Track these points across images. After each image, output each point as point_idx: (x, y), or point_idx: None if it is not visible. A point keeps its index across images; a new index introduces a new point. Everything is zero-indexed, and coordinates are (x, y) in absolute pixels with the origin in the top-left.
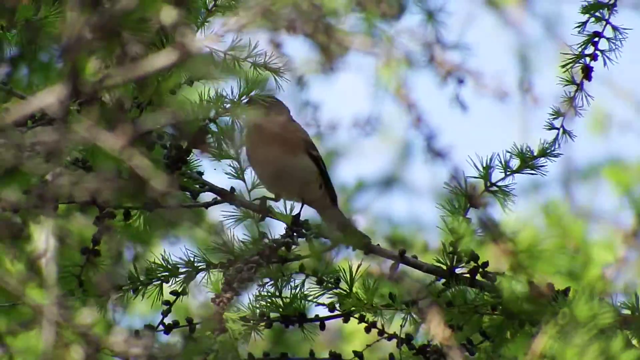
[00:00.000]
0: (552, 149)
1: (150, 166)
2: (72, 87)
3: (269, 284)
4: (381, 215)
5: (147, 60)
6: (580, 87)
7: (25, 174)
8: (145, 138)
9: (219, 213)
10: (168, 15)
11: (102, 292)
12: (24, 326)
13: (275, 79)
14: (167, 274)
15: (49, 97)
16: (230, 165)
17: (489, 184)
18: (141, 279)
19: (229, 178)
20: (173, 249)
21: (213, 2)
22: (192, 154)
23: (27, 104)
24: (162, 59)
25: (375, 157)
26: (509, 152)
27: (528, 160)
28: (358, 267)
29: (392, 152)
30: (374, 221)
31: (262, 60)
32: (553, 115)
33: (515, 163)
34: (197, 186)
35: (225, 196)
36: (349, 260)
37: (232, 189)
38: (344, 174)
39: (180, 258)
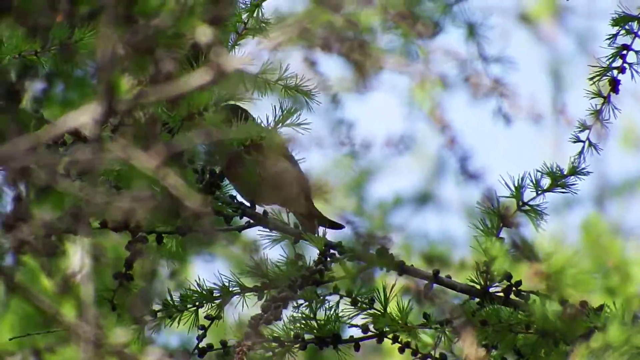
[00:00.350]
0: (581, 164)
1: (184, 186)
2: (107, 106)
3: (303, 305)
4: (416, 232)
5: (181, 79)
6: (607, 100)
7: (60, 193)
8: (178, 159)
9: (254, 234)
10: (203, 33)
11: (136, 319)
12: (61, 344)
13: (306, 101)
14: (202, 299)
15: (84, 116)
16: None
17: (521, 204)
18: (176, 304)
19: None
20: (207, 272)
21: (246, 23)
22: (225, 179)
23: (62, 122)
24: (197, 78)
25: (408, 175)
26: (539, 171)
27: (558, 179)
28: (392, 287)
29: (425, 170)
30: (409, 238)
31: (294, 83)
32: (579, 128)
33: (546, 182)
34: (231, 210)
35: (259, 219)
36: (383, 280)
37: (265, 212)
38: (378, 191)
39: (215, 283)
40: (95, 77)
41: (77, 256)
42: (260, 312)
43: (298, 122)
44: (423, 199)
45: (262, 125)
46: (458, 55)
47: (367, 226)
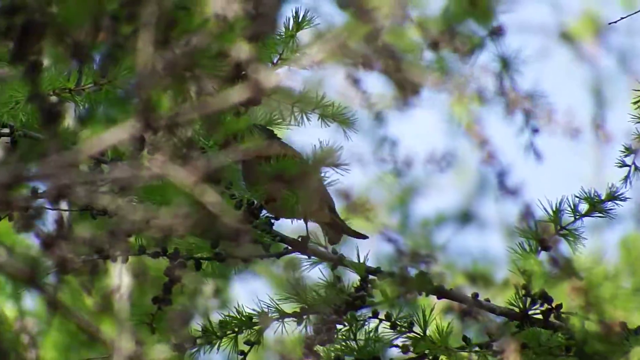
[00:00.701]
0: (621, 191)
1: (221, 203)
2: (145, 123)
3: (343, 329)
4: (458, 250)
5: (219, 96)
6: None
7: (100, 211)
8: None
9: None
10: (242, 51)
11: (175, 346)
12: None
13: (344, 130)
14: (241, 325)
15: (122, 133)
16: None
17: (559, 228)
18: (215, 331)
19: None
20: (248, 291)
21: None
22: (263, 208)
23: (101, 139)
24: (235, 96)
25: (450, 193)
26: (577, 196)
27: (596, 204)
28: (431, 310)
29: (466, 187)
30: (451, 256)
31: (330, 111)
32: (624, 152)
33: (584, 207)
34: (269, 237)
35: (297, 246)
36: (422, 303)
37: (304, 238)
38: (420, 209)
39: (254, 309)
40: (133, 96)
41: (117, 274)
42: (312, 333)
43: (338, 162)
44: (465, 217)
45: (302, 161)
46: (495, 71)
47: (409, 245)
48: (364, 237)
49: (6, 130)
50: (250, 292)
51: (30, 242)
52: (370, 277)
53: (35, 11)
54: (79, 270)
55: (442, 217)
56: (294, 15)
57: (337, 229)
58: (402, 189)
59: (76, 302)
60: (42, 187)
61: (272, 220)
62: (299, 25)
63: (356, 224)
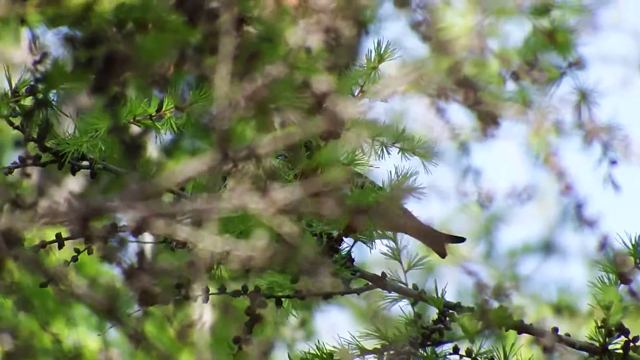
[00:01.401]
0: None
1: (300, 235)
2: (224, 155)
3: None
4: (542, 281)
5: (300, 128)
6: None
7: (179, 242)
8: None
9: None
10: (321, 83)
11: None
12: None
13: (423, 164)
14: None
15: (201, 165)
16: (386, 245)
17: (638, 260)
18: None
19: (385, 258)
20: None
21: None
22: (343, 242)
23: (181, 171)
24: (315, 127)
25: (532, 223)
26: None
27: None
28: (512, 345)
29: (548, 218)
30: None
31: (411, 145)
32: None
33: None
34: (350, 273)
35: (377, 282)
36: (502, 339)
37: (384, 274)
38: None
39: (334, 346)
40: (212, 128)
41: (198, 306)
42: None
43: (414, 186)
44: (547, 248)
45: (378, 189)
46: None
47: (492, 276)
48: (462, 239)
49: (86, 163)
50: (333, 324)
51: (112, 273)
52: (450, 311)
53: (117, 43)
54: (161, 301)
55: (526, 248)
56: (376, 47)
57: (435, 240)
58: (484, 221)
59: (158, 334)
60: (122, 219)
61: (353, 256)
62: (380, 57)
63: (436, 256)
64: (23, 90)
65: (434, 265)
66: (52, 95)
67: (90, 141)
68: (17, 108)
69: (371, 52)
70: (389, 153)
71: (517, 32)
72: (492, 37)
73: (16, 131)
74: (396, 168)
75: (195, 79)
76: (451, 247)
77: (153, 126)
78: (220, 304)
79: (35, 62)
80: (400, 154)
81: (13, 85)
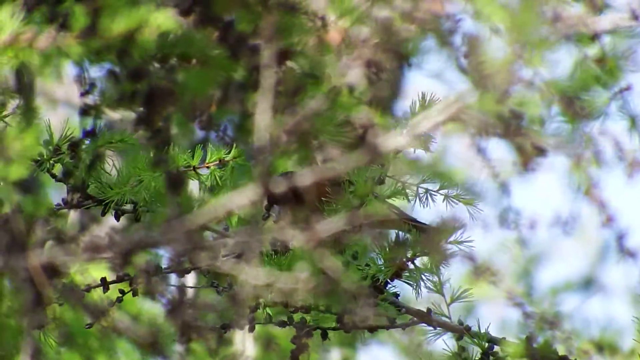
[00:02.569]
0: None
1: (342, 269)
2: (266, 189)
3: None
4: (583, 317)
5: (339, 161)
6: None
7: (221, 275)
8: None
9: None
10: (362, 116)
11: None
12: None
13: (468, 210)
14: None
15: (243, 198)
16: (429, 279)
17: None
18: None
19: (428, 292)
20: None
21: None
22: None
23: (223, 205)
24: (355, 160)
25: (573, 258)
26: None
27: None
28: None
29: (589, 252)
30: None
31: (454, 192)
32: None
33: None
34: (394, 310)
35: (423, 317)
36: None
37: (429, 310)
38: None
39: None
40: (253, 162)
41: (241, 341)
42: None
43: (461, 239)
44: (588, 283)
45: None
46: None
47: (535, 311)
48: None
49: (129, 207)
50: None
51: (154, 308)
52: (494, 347)
53: (160, 77)
54: (204, 336)
55: (568, 286)
56: (420, 99)
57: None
58: (525, 256)
59: None
60: (165, 253)
61: (398, 293)
62: (423, 107)
63: (481, 289)
64: (65, 147)
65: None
66: (99, 126)
67: (132, 190)
68: (60, 164)
69: (415, 103)
70: (434, 200)
71: (562, 61)
72: (535, 69)
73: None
74: (442, 217)
75: (239, 116)
76: (496, 279)
77: (196, 178)
78: (261, 339)
79: (83, 94)
80: (445, 201)
81: (55, 140)
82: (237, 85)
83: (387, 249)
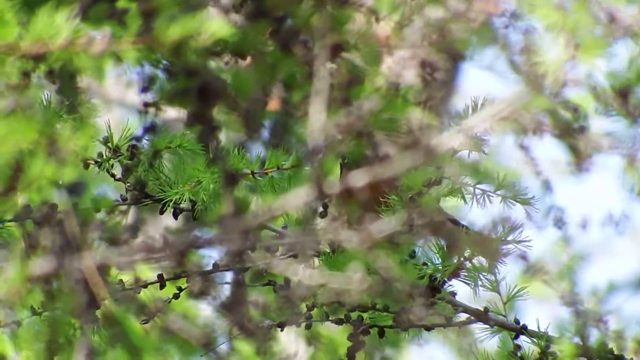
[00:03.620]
0: None
1: (395, 268)
2: (319, 189)
3: None
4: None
5: (395, 161)
6: None
7: (275, 276)
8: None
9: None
10: (416, 116)
11: None
12: None
13: (526, 211)
14: None
15: (297, 199)
16: (485, 278)
17: None
18: None
19: (484, 290)
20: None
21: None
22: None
23: (277, 205)
24: (409, 160)
25: (625, 258)
26: None
27: None
28: None
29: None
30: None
31: (511, 193)
32: None
33: None
34: (451, 309)
35: (479, 316)
36: None
37: (486, 309)
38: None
39: None
40: (307, 162)
41: (292, 340)
42: None
43: (519, 239)
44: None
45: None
46: None
47: (589, 310)
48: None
49: (187, 206)
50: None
51: (202, 308)
52: (551, 347)
53: (211, 76)
54: (255, 335)
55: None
56: (472, 104)
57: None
58: (577, 255)
59: None
60: (218, 253)
61: (455, 292)
62: (476, 107)
63: (533, 288)
64: (124, 147)
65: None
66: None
67: (191, 191)
68: (119, 164)
69: (469, 103)
70: (490, 201)
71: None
72: (589, 68)
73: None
74: (500, 219)
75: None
76: (549, 279)
77: (254, 183)
78: (310, 339)
79: (143, 90)
80: (502, 202)
81: (114, 142)
82: (289, 81)
83: (445, 249)
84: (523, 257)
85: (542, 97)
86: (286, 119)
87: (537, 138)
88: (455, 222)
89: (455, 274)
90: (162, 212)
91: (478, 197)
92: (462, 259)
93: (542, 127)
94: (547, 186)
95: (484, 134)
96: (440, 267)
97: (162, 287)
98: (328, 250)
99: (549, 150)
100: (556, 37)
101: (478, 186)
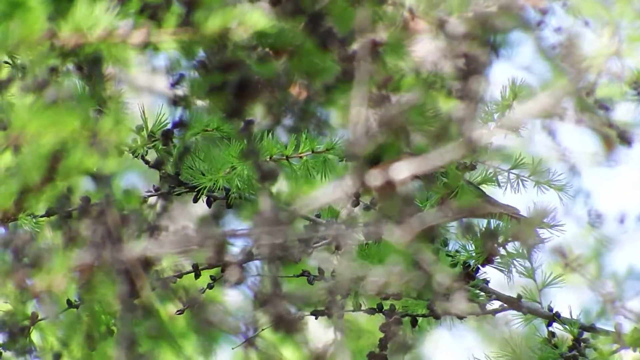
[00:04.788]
0: None
1: (436, 261)
2: (360, 181)
3: None
4: None
5: (434, 154)
6: None
7: (308, 267)
8: (430, 234)
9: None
10: (456, 108)
11: None
12: None
13: (559, 196)
14: None
15: (337, 192)
16: (521, 265)
17: None
18: None
19: (520, 277)
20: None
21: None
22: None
23: (316, 198)
24: (450, 153)
25: None
26: None
27: None
28: None
29: None
30: None
31: (546, 178)
32: None
33: None
34: (484, 296)
35: (512, 304)
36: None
37: (519, 296)
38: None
39: None
40: (346, 155)
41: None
42: None
43: (552, 223)
44: None
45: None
46: None
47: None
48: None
49: (220, 194)
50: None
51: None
52: (584, 334)
53: (251, 68)
54: (293, 327)
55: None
56: (511, 84)
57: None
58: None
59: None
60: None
61: (488, 280)
62: (515, 94)
63: (570, 277)
64: (158, 132)
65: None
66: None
67: (225, 177)
68: (154, 151)
69: (505, 88)
70: (524, 187)
71: None
72: (626, 61)
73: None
74: (535, 204)
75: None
76: (582, 268)
77: (289, 167)
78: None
79: (173, 84)
80: (535, 187)
81: (149, 128)
82: (327, 76)
83: (478, 235)
84: (557, 245)
85: (577, 88)
86: (309, 105)
87: (570, 128)
88: (492, 202)
89: (489, 261)
90: (195, 200)
91: (512, 182)
92: (495, 244)
93: (578, 119)
94: (574, 171)
95: (521, 124)
96: (473, 254)
97: (197, 276)
98: (366, 242)
99: (582, 141)
100: (600, 31)
101: (512, 171)
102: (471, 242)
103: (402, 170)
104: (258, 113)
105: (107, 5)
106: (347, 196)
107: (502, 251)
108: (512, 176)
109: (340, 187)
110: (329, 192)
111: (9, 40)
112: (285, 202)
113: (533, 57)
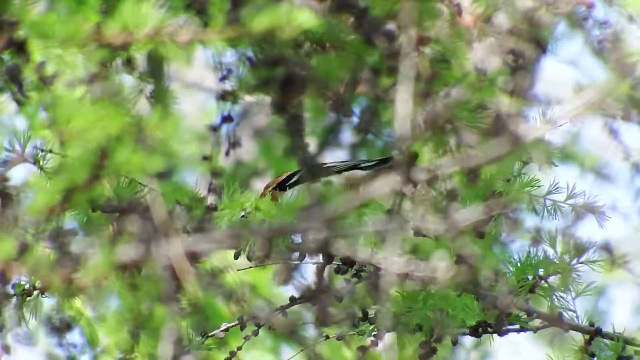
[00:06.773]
0: None
1: (480, 256)
2: (406, 176)
3: None
4: None
5: (480, 149)
6: None
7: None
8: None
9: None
10: (502, 104)
11: None
12: None
13: (596, 219)
14: None
15: (383, 186)
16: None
17: None
18: None
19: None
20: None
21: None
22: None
23: (362, 193)
24: (495, 149)
25: None
26: None
27: None
28: None
29: None
30: None
31: (582, 201)
32: None
33: None
34: (525, 314)
35: (553, 321)
36: None
37: (560, 314)
38: None
39: None
40: (394, 149)
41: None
42: None
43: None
44: None
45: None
46: None
47: None
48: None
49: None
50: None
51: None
52: (628, 347)
53: (295, 64)
54: (339, 323)
55: None
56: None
57: None
58: None
59: (335, 356)
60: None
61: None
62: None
63: (617, 274)
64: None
65: (603, 288)
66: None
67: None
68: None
69: (553, 90)
70: (560, 212)
71: None
72: None
73: None
74: (572, 187)
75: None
76: (630, 266)
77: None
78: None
79: (220, 80)
80: (571, 211)
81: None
82: (372, 71)
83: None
84: (606, 247)
85: (626, 83)
86: (375, 104)
87: (624, 124)
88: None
89: (531, 291)
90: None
91: (549, 208)
92: (536, 278)
93: (625, 113)
94: (636, 169)
95: (571, 121)
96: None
97: (242, 328)
98: (412, 238)
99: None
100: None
101: (548, 197)
102: (512, 272)
103: (448, 166)
104: (310, 107)
105: (153, 4)
106: (394, 191)
107: (543, 283)
108: (548, 202)
109: (386, 182)
110: (376, 187)
111: (58, 35)
112: (332, 197)
113: (580, 52)
